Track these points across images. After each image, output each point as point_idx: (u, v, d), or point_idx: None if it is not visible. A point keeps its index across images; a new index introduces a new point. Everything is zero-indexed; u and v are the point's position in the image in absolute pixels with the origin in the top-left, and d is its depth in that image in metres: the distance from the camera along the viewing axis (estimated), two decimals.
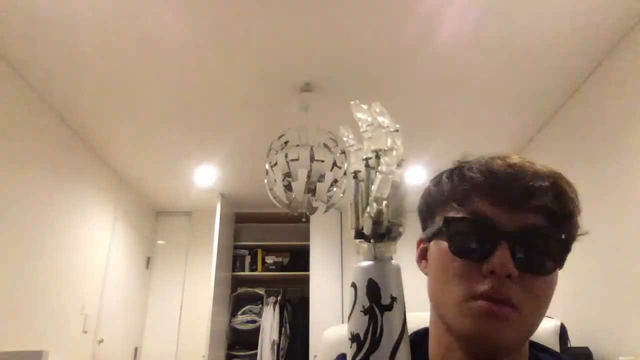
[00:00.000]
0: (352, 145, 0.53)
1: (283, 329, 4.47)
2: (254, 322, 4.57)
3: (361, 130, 0.52)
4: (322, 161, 2.55)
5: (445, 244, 0.59)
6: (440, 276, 0.60)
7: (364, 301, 0.46)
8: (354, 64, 2.70)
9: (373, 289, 0.46)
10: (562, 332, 0.79)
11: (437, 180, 0.65)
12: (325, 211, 2.76)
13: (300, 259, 4.66)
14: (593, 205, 2.65)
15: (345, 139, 0.54)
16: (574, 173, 2.67)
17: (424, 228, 0.66)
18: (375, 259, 0.47)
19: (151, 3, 2.26)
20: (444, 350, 0.61)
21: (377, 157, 0.49)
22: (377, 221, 0.46)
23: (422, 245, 0.67)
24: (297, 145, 2.61)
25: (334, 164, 2.60)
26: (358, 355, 0.45)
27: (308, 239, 4.59)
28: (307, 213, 2.81)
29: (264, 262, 4.76)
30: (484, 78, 2.81)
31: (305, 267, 4.53)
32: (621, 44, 2.43)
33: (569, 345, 2.46)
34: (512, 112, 3.18)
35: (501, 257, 0.54)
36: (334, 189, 2.65)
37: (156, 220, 5.10)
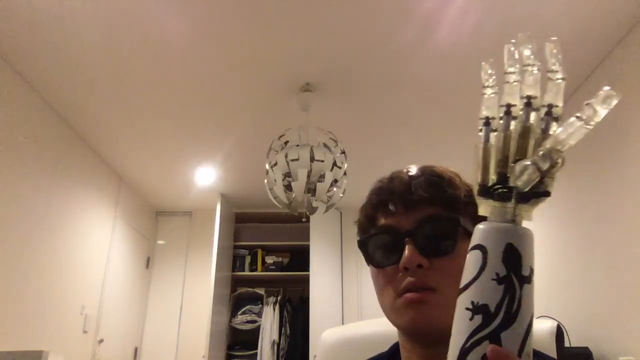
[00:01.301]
0: (489, 87, 0.45)
1: (283, 329, 4.47)
2: (254, 322, 4.57)
3: (507, 68, 0.44)
4: (322, 161, 2.55)
5: (371, 264, 0.68)
6: (377, 290, 0.68)
7: (499, 268, 0.39)
8: (354, 64, 2.70)
9: (513, 256, 0.40)
10: (559, 333, 0.78)
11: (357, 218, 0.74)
12: (325, 211, 2.76)
13: (300, 259, 4.66)
14: (593, 205, 2.65)
15: (483, 74, 0.46)
16: (573, 174, 2.68)
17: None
18: (514, 222, 0.41)
19: (152, 4, 2.26)
20: (407, 353, 0.68)
21: (529, 105, 0.41)
22: (538, 180, 0.39)
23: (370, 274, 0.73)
24: (297, 145, 2.61)
25: (334, 164, 2.60)
26: (484, 329, 0.38)
27: (308, 239, 4.59)
28: (307, 213, 2.80)
29: (264, 262, 4.76)
30: None
31: (305, 267, 4.52)
32: (621, 43, 2.43)
33: (566, 346, 2.46)
34: None
35: (408, 252, 0.61)
36: (334, 189, 2.64)
37: (156, 220, 5.10)
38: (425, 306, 0.60)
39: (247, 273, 4.74)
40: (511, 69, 0.43)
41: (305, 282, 4.50)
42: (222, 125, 3.44)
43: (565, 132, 0.40)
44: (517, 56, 0.44)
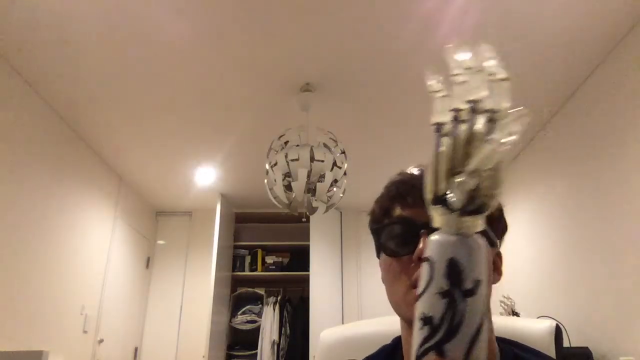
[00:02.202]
0: (438, 91, 0.45)
1: (283, 329, 4.47)
2: (254, 322, 4.57)
3: (454, 72, 0.43)
4: (322, 161, 2.55)
5: (382, 251, 0.68)
6: (387, 280, 0.68)
7: (442, 282, 0.40)
8: (354, 64, 2.70)
9: (454, 270, 0.40)
10: (558, 333, 0.78)
11: (375, 204, 0.74)
12: (325, 211, 2.76)
13: (300, 259, 4.66)
14: (593, 205, 2.65)
15: (433, 80, 0.45)
16: (573, 174, 2.68)
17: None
18: (459, 234, 0.41)
19: (152, 4, 2.26)
20: (409, 347, 0.65)
21: (474, 111, 0.40)
22: (471, 196, 0.39)
23: (379, 263, 0.72)
24: (297, 145, 2.61)
25: (334, 164, 2.60)
26: (430, 340, 0.40)
27: (308, 239, 4.59)
28: (307, 213, 2.81)
29: (264, 262, 4.76)
30: None
31: (305, 267, 4.52)
32: (621, 43, 2.43)
33: (566, 346, 2.46)
34: None
35: (423, 243, 0.60)
36: (334, 189, 2.64)
37: (156, 220, 5.10)
38: None
39: (247, 273, 4.74)
40: (457, 71, 0.43)
41: (305, 282, 4.50)
42: (222, 125, 3.44)
43: (478, 158, 0.39)
44: (461, 60, 0.43)
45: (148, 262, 4.86)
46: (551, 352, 0.76)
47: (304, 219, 3.35)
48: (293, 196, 2.56)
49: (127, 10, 2.29)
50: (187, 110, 3.22)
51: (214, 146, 3.72)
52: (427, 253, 0.42)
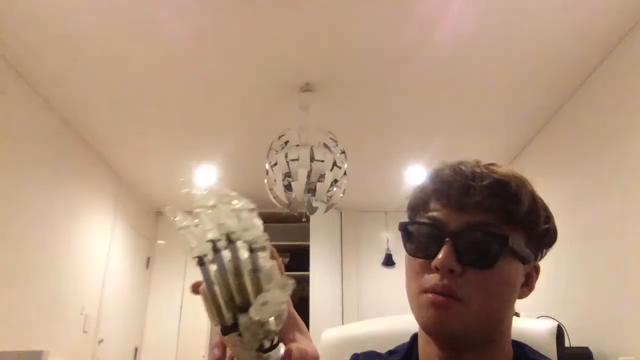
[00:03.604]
0: (187, 226, 0.41)
1: None
2: None
3: (195, 205, 0.42)
4: (322, 161, 2.55)
5: (404, 245, 0.66)
6: (406, 274, 0.66)
7: None
8: (354, 64, 2.70)
9: None
10: (559, 333, 0.78)
11: (411, 193, 0.71)
12: (325, 211, 2.76)
13: (300, 259, 4.65)
14: (594, 205, 2.65)
15: (172, 218, 0.43)
16: (574, 173, 2.68)
17: None
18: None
19: (152, 5, 2.26)
20: (428, 347, 0.66)
21: (230, 240, 0.39)
22: (263, 337, 0.38)
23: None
24: (297, 145, 2.61)
25: (334, 164, 2.60)
26: None
27: (308, 239, 4.59)
28: (307, 213, 2.80)
29: None
30: (484, 78, 2.81)
31: (305, 267, 4.52)
32: (621, 43, 2.43)
33: (566, 346, 2.47)
34: (512, 112, 3.18)
35: (444, 254, 0.59)
36: (334, 189, 2.64)
37: (156, 220, 5.10)
38: (446, 312, 0.58)
39: None
40: (199, 209, 0.41)
41: (305, 282, 4.50)
42: (222, 125, 3.44)
43: (256, 312, 0.37)
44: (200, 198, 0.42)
45: (148, 262, 4.85)
46: (552, 352, 0.76)
47: (304, 219, 3.35)
48: (293, 196, 2.56)
49: (127, 10, 2.29)
50: (187, 110, 3.21)
51: (214, 146, 3.72)
52: None
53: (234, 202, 0.41)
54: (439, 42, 2.47)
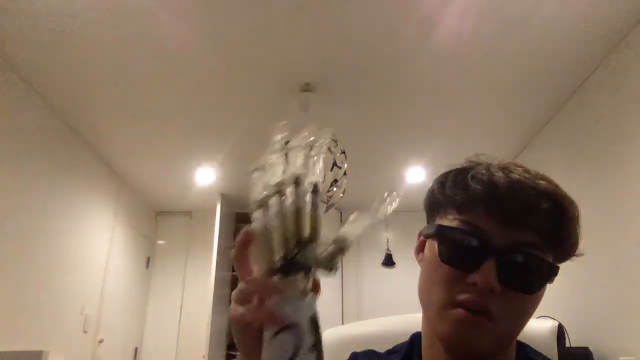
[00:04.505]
0: (257, 169, 0.45)
1: None
2: None
3: (272, 149, 0.46)
4: None
5: (436, 248, 0.60)
6: (429, 277, 0.61)
7: (310, 340, 0.41)
8: (354, 64, 2.70)
9: (316, 324, 0.42)
10: (560, 333, 0.78)
11: (442, 180, 0.64)
12: (325, 211, 2.76)
13: None
14: (594, 205, 2.65)
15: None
16: (574, 173, 2.68)
17: (427, 222, 0.67)
18: (307, 295, 0.42)
19: (152, 5, 2.26)
20: (435, 351, 0.63)
21: (297, 184, 0.43)
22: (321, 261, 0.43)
23: (421, 238, 0.67)
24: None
25: (334, 164, 2.60)
26: None
27: None
28: None
29: None
30: (484, 78, 2.81)
31: None
32: (622, 43, 2.42)
33: (567, 346, 2.46)
34: (513, 112, 3.18)
35: (486, 272, 0.54)
36: (334, 189, 2.64)
37: (156, 220, 5.10)
38: (475, 330, 0.55)
39: None
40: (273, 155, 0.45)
41: None
42: (222, 125, 3.44)
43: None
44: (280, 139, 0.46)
45: (148, 262, 4.86)
46: (553, 352, 0.76)
47: None
48: None
49: (127, 10, 2.29)
50: (187, 110, 3.22)
51: (214, 146, 3.72)
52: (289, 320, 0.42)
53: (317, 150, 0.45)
54: (439, 42, 2.48)
